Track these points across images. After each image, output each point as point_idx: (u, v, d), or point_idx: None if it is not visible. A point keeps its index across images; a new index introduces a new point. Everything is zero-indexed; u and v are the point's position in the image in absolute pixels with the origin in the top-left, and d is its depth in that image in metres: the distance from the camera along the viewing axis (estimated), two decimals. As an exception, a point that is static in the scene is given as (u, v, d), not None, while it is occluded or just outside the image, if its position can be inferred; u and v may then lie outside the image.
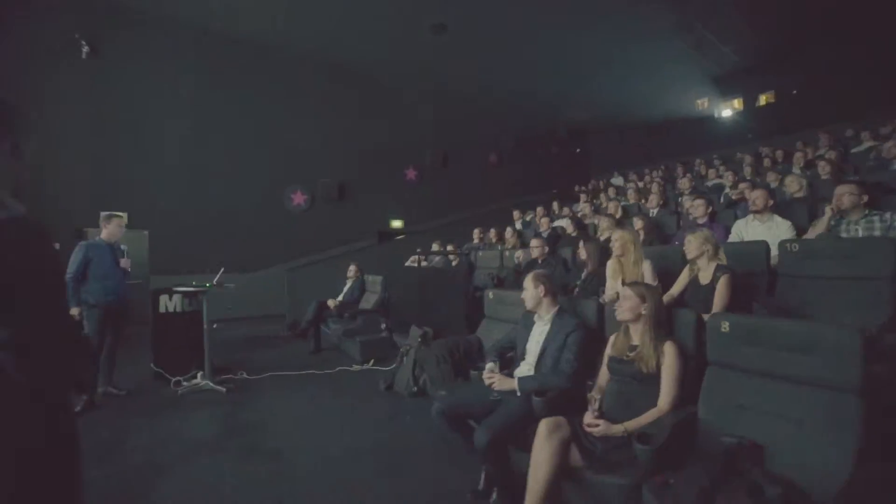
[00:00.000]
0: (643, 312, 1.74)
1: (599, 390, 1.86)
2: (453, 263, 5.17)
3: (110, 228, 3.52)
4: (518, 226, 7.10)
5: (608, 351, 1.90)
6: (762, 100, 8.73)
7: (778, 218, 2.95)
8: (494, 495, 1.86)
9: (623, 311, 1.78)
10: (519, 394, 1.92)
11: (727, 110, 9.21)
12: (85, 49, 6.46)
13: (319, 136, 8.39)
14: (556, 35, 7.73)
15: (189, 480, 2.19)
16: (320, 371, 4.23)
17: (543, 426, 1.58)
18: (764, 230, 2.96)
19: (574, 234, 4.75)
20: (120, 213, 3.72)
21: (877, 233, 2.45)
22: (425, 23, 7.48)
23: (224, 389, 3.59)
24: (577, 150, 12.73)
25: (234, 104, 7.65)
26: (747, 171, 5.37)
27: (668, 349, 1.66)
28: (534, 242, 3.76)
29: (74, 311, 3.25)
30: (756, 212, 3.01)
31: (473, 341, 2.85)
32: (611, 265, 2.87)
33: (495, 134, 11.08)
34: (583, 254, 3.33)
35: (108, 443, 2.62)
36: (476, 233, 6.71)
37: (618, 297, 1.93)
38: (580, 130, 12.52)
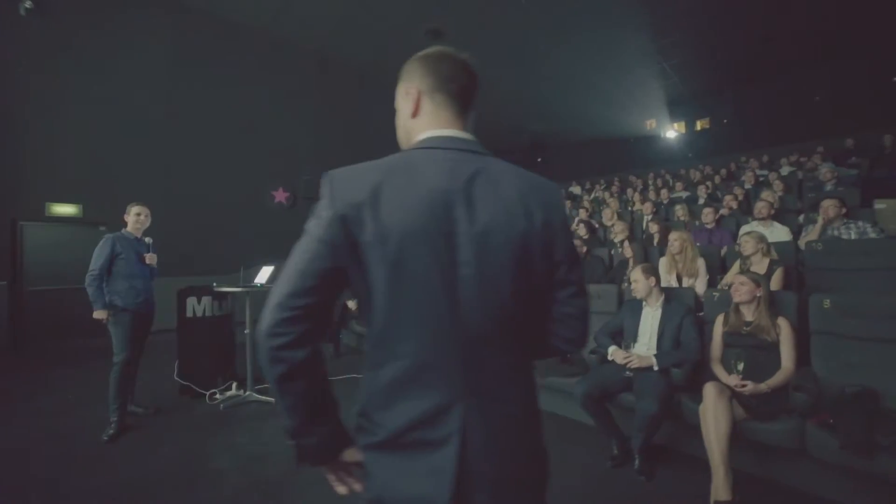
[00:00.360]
0: (758, 295, 2.17)
1: (716, 360, 2.26)
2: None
3: (130, 219, 3.08)
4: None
5: (720, 328, 2.31)
6: (699, 125, 10.40)
7: (777, 224, 3.71)
8: (637, 461, 2.14)
9: (742, 294, 2.19)
10: (656, 368, 2.24)
11: (671, 132, 10.77)
12: (26, 4, 5.40)
13: (304, 130, 7.99)
14: (534, 51, 8.36)
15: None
16: (360, 375, 4.12)
17: (712, 389, 1.91)
18: (767, 234, 3.67)
19: (586, 237, 5.28)
20: (140, 203, 3.18)
21: (853, 235, 3.25)
22: (421, 26, 7.60)
23: (273, 400, 3.35)
24: (539, 160, 13.70)
25: (214, 90, 6.96)
26: (708, 185, 6.44)
27: (783, 322, 2.11)
28: (575, 243, 4.16)
29: (102, 313, 2.81)
30: (761, 218, 3.74)
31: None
32: (665, 262, 3.36)
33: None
34: (628, 252, 3.80)
35: (196, 470, 2.35)
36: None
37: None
38: (540, 141, 13.53)
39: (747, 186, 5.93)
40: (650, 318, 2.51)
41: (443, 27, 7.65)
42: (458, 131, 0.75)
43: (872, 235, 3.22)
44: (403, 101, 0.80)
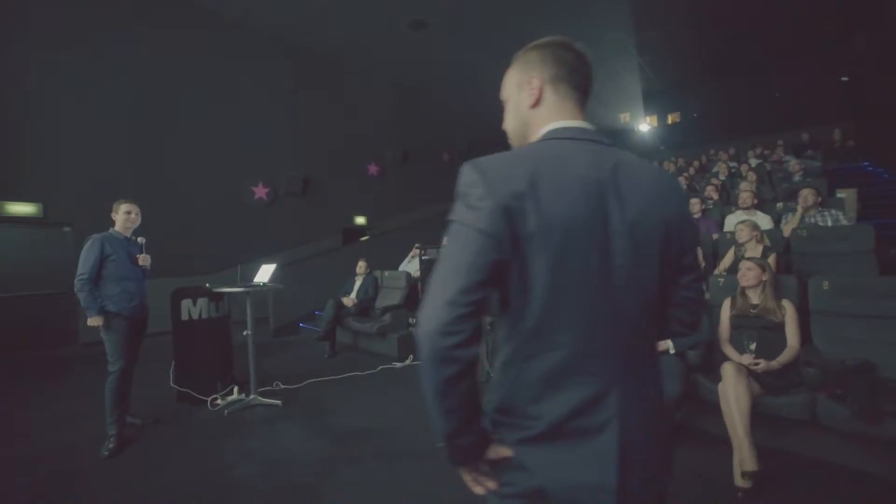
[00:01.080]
0: (764, 279, 2.32)
1: (725, 341, 2.41)
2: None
3: (118, 217, 2.85)
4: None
5: (727, 312, 2.45)
6: (670, 119, 10.89)
7: (759, 213, 3.96)
8: None
9: (749, 279, 2.34)
10: (673, 352, 2.35)
11: (644, 125, 11.22)
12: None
13: (284, 124, 7.68)
14: (516, 41, 8.41)
15: (380, 489, 2.07)
16: (363, 372, 4.06)
17: (731, 368, 2.03)
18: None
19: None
20: (129, 201, 2.94)
21: (829, 223, 3.53)
22: (403, 18, 7.46)
23: (279, 402, 3.23)
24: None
25: (188, 81, 6.53)
26: (685, 176, 6.78)
27: (787, 304, 2.27)
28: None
29: (97, 320, 2.61)
30: (745, 208, 3.98)
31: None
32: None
33: (449, 133, 11.47)
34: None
35: (216, 479, 2.24)
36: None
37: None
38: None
39: (722, 178, 6.29)
40: (661, 305, 2.63)
41: (426, 18, 7.54)
42: (583, 122, 0.75)
43: (844, 222, 3.52)
44: (520, 91, 0.79)
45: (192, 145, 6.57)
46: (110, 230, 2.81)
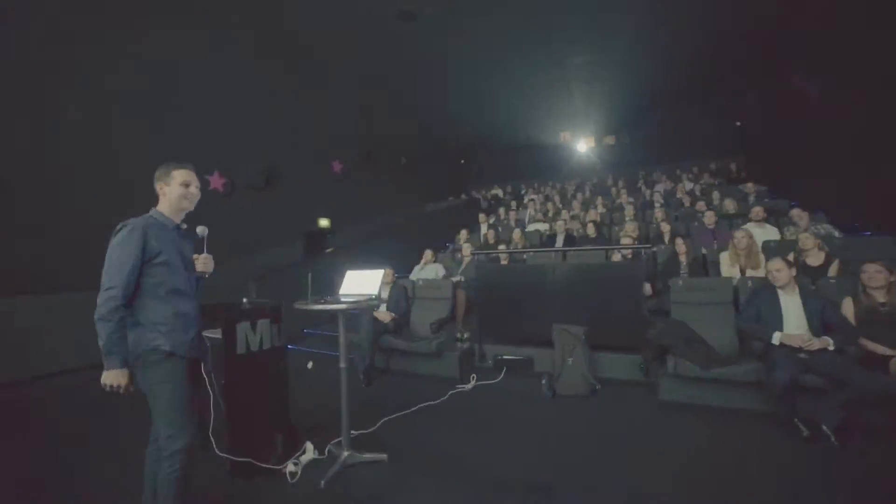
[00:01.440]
0: (892, 280, 2.66)
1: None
2: (503, 262, 5.09)
3: (171, 191, 1.70)
4: (484, 228, 7.51)
5: (852, 309, 2.74)
6: (605, 140, 12.32)
7: (768, 225, 4.63)
8: (833, 436, 2.36)
9: (879, 280, 2.65)
10: (832, 348, 2.51)
11: (583, 144, 12.45)
12: None
13: (244, 108, 6.26)
14: (476, 58, 8.37)
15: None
16: (435, 401, 3.41)
17: (906, 362, 2.24)
18: (761, 233, 4.56)
19: (594, 236, 5.62)
20: (185, 165, 1.73)
21: (822, 234, 4.32)
22: (390, 8, 6.82)
23: (385, 456, 2.46)
24: (462, 161, 14.02)
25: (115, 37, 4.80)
26: (657, 194, 7.70)
27: (910, 301, 2.63)
28: (624, 241, 4.37)
29: (122, 375, 1.52)
30: (757, 220, 4.61)
31: (679, 323, 3.21)
32: (728, 256, 3.84)
33: (406, 136, 10.98)
34: (681, 248, 4.19)
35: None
36: (464, 233, 6.69)
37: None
38: (465, 145, 13.86)
39: (679, 195, 7.29)
40: (792, 304, 2.80)
41: (415, 10, 7.05)
42: None
43: (836, 234, 4.34)
44: None
45: (130, 124, 4.85)
46: (152, 212, 1.71)
